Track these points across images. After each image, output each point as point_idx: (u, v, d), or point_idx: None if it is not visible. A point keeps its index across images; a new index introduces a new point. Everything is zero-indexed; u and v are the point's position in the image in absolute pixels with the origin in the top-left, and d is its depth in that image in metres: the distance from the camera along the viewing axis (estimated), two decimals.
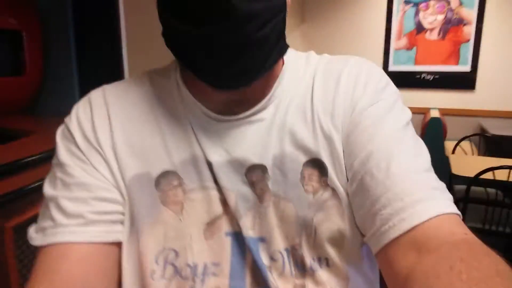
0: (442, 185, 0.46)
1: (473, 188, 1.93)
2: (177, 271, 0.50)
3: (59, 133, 0.53)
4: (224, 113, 0.52)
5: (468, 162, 2.34)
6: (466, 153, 2.82)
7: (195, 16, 0.43)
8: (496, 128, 2.95)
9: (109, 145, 0.52)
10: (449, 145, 2.89)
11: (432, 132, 2.85)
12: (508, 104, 3.23)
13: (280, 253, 0.51)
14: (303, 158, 0.51)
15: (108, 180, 0.51)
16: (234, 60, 0.46)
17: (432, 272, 0.37)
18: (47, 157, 1.06)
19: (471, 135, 2.83)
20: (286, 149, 0.51)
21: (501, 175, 1.95)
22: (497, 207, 1.95)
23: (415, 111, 3.06)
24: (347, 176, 0.50)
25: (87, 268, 0.47)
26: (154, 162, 0.52)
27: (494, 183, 1.94)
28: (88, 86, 0.57)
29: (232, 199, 0.50)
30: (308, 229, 0.50)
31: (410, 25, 3.33)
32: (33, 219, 0.51)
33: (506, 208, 1.96)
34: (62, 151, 0.52)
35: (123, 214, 0.51)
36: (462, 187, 2.19)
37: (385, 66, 3.35)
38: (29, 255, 0.98)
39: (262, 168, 0.51)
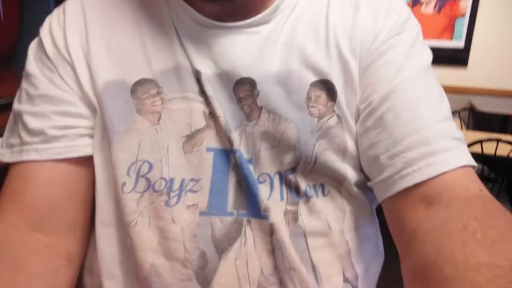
0: (462, 136, 0.44)
1: None
2: (150, 185, 0.46)
3: (32, 44, 0.50)
4: (215, 21, 0.47)
5: None
6: None
7: None
8: (486, 105, 2.95)
9: (80, 52, 0.48)
10: None
11: None
12: (499, 82, 3.22)
13: (268, 175, 0.47)
14: (311, 78, 0.47)
15: (75, 93, 0.47)
16: None
17: (444, 229, 0.35)
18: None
19: (460, 110, 2.83)
20: (292, 66, 0.47)
21: (488, 149, 1.94)
22: (483, 181, 1.95)
23: None
24: (358, 109, 0.47)
25: (53, 191, 0.45)
26: (131, 69, 0.48)
27: (481, 156, 1.94)
28: None
29: (220, 115, 0.46)
30: (307, 156, 0.46)
31: None
32: None
33: (491, 182, 1.96)
34: (31, 61, 0.49)
35: (90, 128, 0.48)
36: None
37: None
38: None
39: (250, 82, 0.46)
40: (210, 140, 0.47)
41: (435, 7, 3.20)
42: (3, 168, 0.48)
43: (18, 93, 0.49)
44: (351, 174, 0.47)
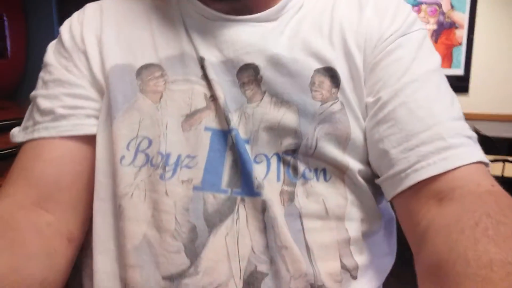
0: (475, 136, 0.45)
1: None
2: (148, 159, 0.47)
3: (52, 42, 0.55)
4: (222, 14, 0.51)
5: None
6: None
7: None
8: (490, 130, 2.94)
9: (94, 41, 0.51)
10: None
11: None
12: (502, 107, 3.23)
13: (265, 156, 0.47)
14: (315, 65, 0.48)
15: (85, 77, 0.50)
16: None
17: (456, 226, 0.35)
18: None
19: None
20: (297, 54, 0.49)
21: (496, 171, 1.92)
22: None
23: None
24: (366, 103, 0.48)
25: (60, 169, 0.47)
26: (139, 55, 0.50)
27: None
28: None
29: (220, 96, 0.47)
30: (308, 139, 0.47)
31: None
32: None
33: None
34: (50, 53, 0.53)
35: (97, 110, 0.50)
36: None
37: None
38: None
39: (254, 68, 0.48)
40: (209, 120, 0.48)
41: (431, 37, 3.28)
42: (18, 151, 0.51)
43: (36, 84, 0.53)
44: (354, 164, 0.47)
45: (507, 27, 3.11)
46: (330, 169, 0.47)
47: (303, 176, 0.47)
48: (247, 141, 0.47)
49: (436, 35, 3.26)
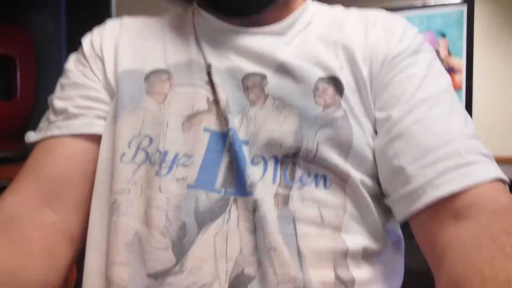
0: (491, 154, 0.45)
1: None
2: (147, 157, 0.48)
3: (74, 52, 0.58)
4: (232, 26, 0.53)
5: None
6: None
7: None
8: None
9: (111, 49, 0.54)
10: None
11: None
12: (506, 149, 3.24)
13: (263, 158, 0.47)
14: (320, 73, 0.49)
15: (100, 82, 0.52)
16: None
17: (473, 244, 0.35)
18: None
19: None
20: (302, 62, 0.49)
21: None
22: None
23: None
24: (375, 118, 0.48)
25: (70, 168, 0.48)
26: (149, 61, 0.52)
27: None
28: None
29: (222, 98, 0.48)
30: (308, 143, 0.46)
31: None
32: None
33: None
34: (70, 60, 0.56)
35: (108, 112, 0.51)
36: None
37: None
38: None
39: (260, 76, 0.49)
40: (209, 122, 0.48)
41: None
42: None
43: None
44: (355, 174, 0.46)
45: (505, 69, 3.19)
46: (331, 176, 0.46)
47: (300, 180, 0.46)
48: (246, 143, 0.47)
49: None
